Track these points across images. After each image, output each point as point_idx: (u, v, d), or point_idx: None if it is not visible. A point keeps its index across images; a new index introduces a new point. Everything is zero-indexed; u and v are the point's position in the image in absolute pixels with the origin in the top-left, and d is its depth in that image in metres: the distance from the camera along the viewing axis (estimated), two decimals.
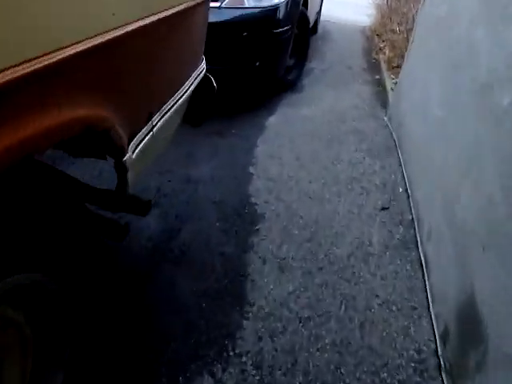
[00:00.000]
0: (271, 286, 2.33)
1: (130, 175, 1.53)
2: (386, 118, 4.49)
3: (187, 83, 2.06)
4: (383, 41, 7.35)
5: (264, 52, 4.12)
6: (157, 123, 1.70)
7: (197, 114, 2.53)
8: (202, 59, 2.35)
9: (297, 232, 2.75)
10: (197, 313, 2.14)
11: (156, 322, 2.09)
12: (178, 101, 1.93)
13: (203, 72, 2.35)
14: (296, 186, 3.23)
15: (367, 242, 2.70)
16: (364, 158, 3.70)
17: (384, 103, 4.97)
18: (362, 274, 2.46)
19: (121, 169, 1.50)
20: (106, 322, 1.97)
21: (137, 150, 1.57)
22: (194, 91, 2.28)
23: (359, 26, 9.33)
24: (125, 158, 1.45)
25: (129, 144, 1.49)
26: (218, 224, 2.77)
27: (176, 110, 1.95)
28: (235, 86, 4.67)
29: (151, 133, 1.65)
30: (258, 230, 2.75)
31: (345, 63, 6.48)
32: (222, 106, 4.42)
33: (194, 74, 2.19)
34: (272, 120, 4.30)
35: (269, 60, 4.27)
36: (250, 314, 2.16)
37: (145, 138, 1.62)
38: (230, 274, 2.40)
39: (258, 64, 4.14)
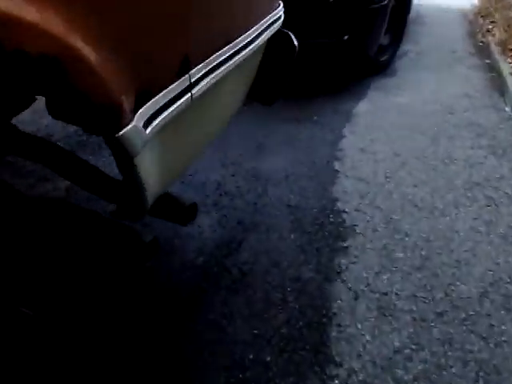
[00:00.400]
0: (367, 337, 1.60)
1: (141, 166, 0.88)
2: (508, 109, 3.55)
3: (258, 27, 1.38)
4: (491, 22, 6.26)
5: (355, 23, 3.36)
6: (199, 81, 1.02)
7: (269, 86, 1.85)
8: (278, 2, 1.65)
9: (401, 255, 1.99)
10: (257, 371, 1.47)
11: (198, 380, 1.45)
12: (240, 51, 1.24)
13: (280, 22, 1.64)
14: (396, 191, 2.45)
15: (507, 278, 1.87)
16: (485, 157, 2.83)
17: (501, 91, 4.00)
18: (504, 328, 1.65)
19: (119, 153, 0.85)
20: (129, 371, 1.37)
21: (156, 123, 0.90)
22: (266, 49, 1.60)
23: (458, 9, 8.19)
24: (122, 132, 0.79)
25: (137, 109, 0.83)
26: (292, 236, 2.08)
27: (239, 68, 1.27)
28: (317, 64, 3.94)
29: (188, 96, 0.98)
30: (346, 248, 2.03)
31: (445, 46, 5.50)
32: (301, 88, 3.71)
33: (269, 18, 1.49)
34: (361, 107, 3.52)
35: (360, 34, 3.49)
36: (336, 382, 1.46)
37: (174, 103, 0.95)
38: (308, 312, 1.70)
39: (346, 38, 3.38)
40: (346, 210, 2.28)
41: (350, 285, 1.83)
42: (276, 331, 1.62)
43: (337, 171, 2.61)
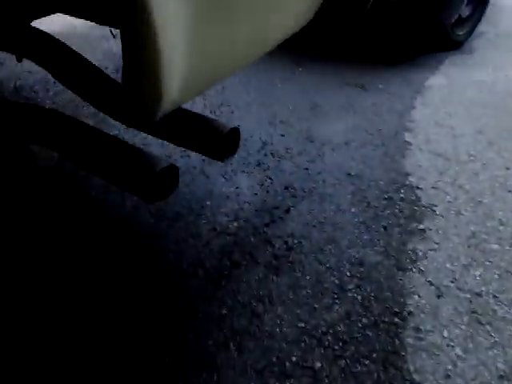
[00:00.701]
0: (458, 351, 1.14)
1: (160, 21, 0.47)
2: None
3: None
4: None
5: None
6: None
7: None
8: None
9: (497, 247, 1.51)
10: (302, 381, 1.05)
11: None
12: None
13: None
14: (484, 172, 1.95)
15: None
16: None
17: None
18: None
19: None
20: None
21: None
22: None
23: None
24: None
25: None
26: (353, 210, 1.63)
27: None
28: (385, 27, 3.45)
29: None
30: (423, 231, 1.56)
31: None
32: (365, 52, 3.23)
33: None
34: (435, 80, 3.01)
35: None
36: None
37: None
38: (374, 306, 1.26)
39: None
40: (421, 186, 1.81)
41: (429, 277, 1.37)
42: (330, 328, 1.18)
43: (408, 143, 2.13)
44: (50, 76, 2.43)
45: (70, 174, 1.68)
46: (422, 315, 1.24)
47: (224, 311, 1.22)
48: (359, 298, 1.28)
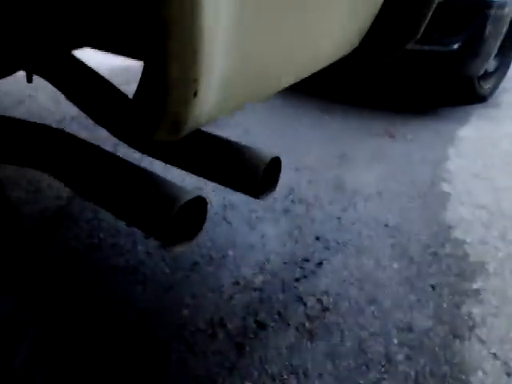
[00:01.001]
0: None
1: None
2: None
3: None
4: None
5: (471, 27, 2.78)
6: None
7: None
8: None
9: None
10: None
11: None
12: None
13: None
14: None
15: None
16: None
17: None
18: None
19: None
20: None
21: None
22: None
23: None
24: None
25: None
26: (395, 266, 1.43)
27: None
28: (412, 79, 3.38)
29: None
30: (477, 292, 1.35)
31: None
32: (392, 103, 3.13)
33: None
34: (465, 132, 2.87)
35: (468, 46, 2.90)
36: None
37: None
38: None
39: (457, 46, 2.80)
40: (467, 240, 1.61)
41: (493, 349, 1.15)
42: None
43: (447, 194, 1.95)
44: (66, 116, 2.35)
45: (77, 214, 1.53)
46: None
47: None
48: (412, 373, 1.06)
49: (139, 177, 0.67)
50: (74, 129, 2.16)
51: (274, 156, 0.78)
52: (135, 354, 1.06)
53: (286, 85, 0.76)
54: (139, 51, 1.06)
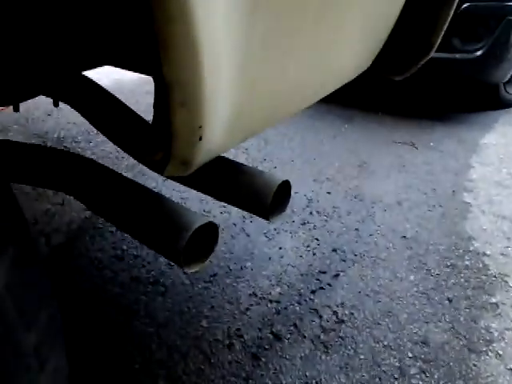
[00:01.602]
0: None
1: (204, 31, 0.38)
2: None
3: None
4: None
5: (494, 34, 2.74)
6: None
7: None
8: None
9: None
10: None
11: None
12: None
13: None
14: None
15: None
16: None
17: None
18: None
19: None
20: None
21: None
22: None
23: None
24: None
25: None
26: (412, 278, 1.44)
27: None
28: (431, 82, 3.35)
29: None
30: (496, 306, 1.34)
31: None
32: (413, 110, 3.11)
33: None
34: (489, 139, 2.83)
35: (500, 49, 2.85)
36: None
37: None
38: None
39: (480, 53, 2.77)
40: (488, 252, 1.60)
41: (510, 365, 1.14)
42: None
43: (468, 204, 1.94)
44: (92, 128, 2.44)
45: (102, 226, 1.59)
46: None
47: None
48: None
49: (154, 202, 0.71)
50: (100, 141, 2.25)
51: (283, 180, 0.81)
52: (153, 364, 1.11)
53: (296, 112, 0.79)
54: (149, 68, 1.11)
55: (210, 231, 0.70)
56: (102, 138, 2.31)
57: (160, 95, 0.48)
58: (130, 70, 1.26)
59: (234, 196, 0.84)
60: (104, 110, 0.99)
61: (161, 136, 0.51)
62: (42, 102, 2.90)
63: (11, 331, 0.45)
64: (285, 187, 0.84)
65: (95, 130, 2.43)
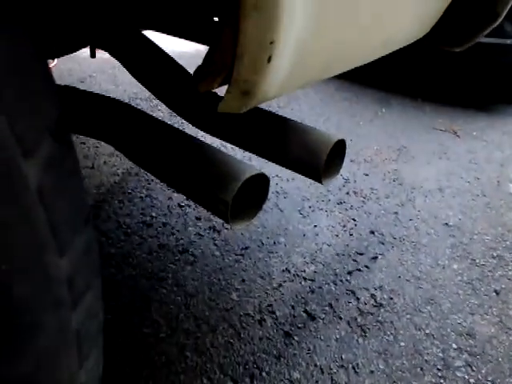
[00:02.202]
0: None
1: None
2: None
3: None
4: None
5: None
6: None
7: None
8: None
9: None
10: None
11: None
12: None
13: None
14: None
15: None
16: None
17: None
18: None
19: None
20: None
21: None
22: None
23: None
24: None
25: None
26: (455, 266, 1.34)
27: None
28: (481, 71, 3.18)
29: None
30: None
31: None
32: (457, 97, 2.96)
33: None
34: None
35: None
36: None
37: None
38: None
39: None
40: None
41: None
42: None
43: None
44: (124, 95, 2.38)
45: (131, 192, 1.54)
46: None
47: (296, 375, 0.97)
48: (472, 381, 0.98)
49: (200, 151, 0.64)
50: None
51: (338, 139, 0.73)
52: (180, 333, 1.05)
53: (356, 65, 0.71)
54: (206, 34, 1.04)
55: (260, 185, 0.63)
56: (133, 105, 2.26)
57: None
58: (186, 38, 1.19)
59: (283, 154, 0.76)
60: (156, 66, 0.93)
61: (223, 55, 0.43)
62: (75, 69, 2.86)
63: (41, 251, 0.38)
64: (339, 147, 0.76)
65: (127, 98, 2.38)
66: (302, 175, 0.78)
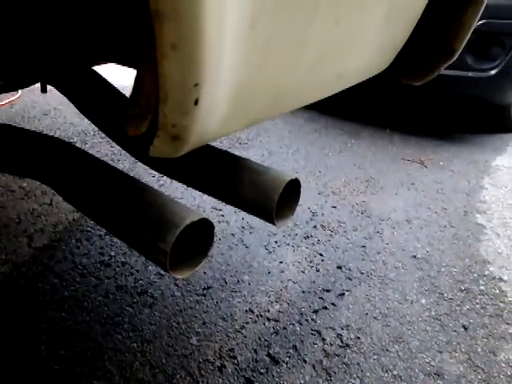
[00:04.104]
0: None
1: None
2: None
3: None
4: None
5: (509, 53, 2.66)
6: None
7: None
8: None
9: None
10: None
11: None
12: None
13: None
14: None
15: None
16: None
17: None
18: None
19: None
20: None
21: None
22: None
23: None
24: None
25: None
26: (423, 301, 1.32)
27: None
28: (446, 102, 3.26)
29: None
30: None
31: None
32: (423, 128, 3.01)
33: None
34: (502, 161, 2.72)
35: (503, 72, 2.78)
36: None
37: None
38: None
39: (495, 72, 2.69)
40: (505, 278, 1.48)
41: None
42: None
43: (482, 226, 1.82)
44: (88, 129, 2.34)
45: (90, 229, 1.48)
46: None
47: None
48: None
49: (139, 195, 0.60)
50: (96, 142, 2.15)
51: (292, 178, 0.70)
52: None
53: (312, 100, 0.69)
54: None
55: (204, 230, 0.59)
56: (98, 139, 2.22)
57: (145, 37, 0.37)
58: (129, 66, 1.17)
59: (234, 194, 0.73)
60: (101, 101, 0.90)
61: (146, 98, 0.40)
62: (39, 101, 2.81)
63: None
64: (293, 186, 0.73)
65: (91, 131, 2.34)
66: (255, 216, 0.75)
